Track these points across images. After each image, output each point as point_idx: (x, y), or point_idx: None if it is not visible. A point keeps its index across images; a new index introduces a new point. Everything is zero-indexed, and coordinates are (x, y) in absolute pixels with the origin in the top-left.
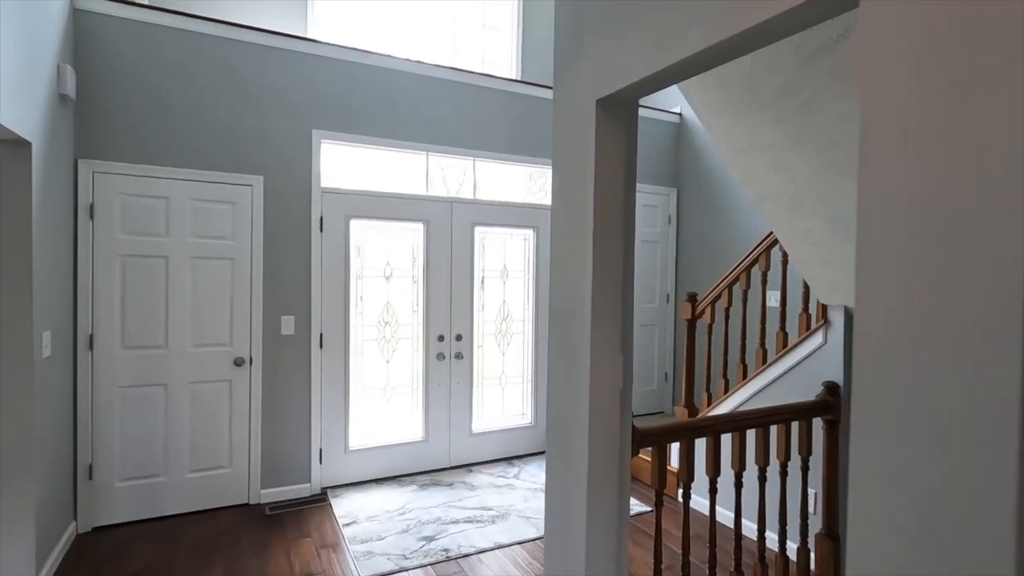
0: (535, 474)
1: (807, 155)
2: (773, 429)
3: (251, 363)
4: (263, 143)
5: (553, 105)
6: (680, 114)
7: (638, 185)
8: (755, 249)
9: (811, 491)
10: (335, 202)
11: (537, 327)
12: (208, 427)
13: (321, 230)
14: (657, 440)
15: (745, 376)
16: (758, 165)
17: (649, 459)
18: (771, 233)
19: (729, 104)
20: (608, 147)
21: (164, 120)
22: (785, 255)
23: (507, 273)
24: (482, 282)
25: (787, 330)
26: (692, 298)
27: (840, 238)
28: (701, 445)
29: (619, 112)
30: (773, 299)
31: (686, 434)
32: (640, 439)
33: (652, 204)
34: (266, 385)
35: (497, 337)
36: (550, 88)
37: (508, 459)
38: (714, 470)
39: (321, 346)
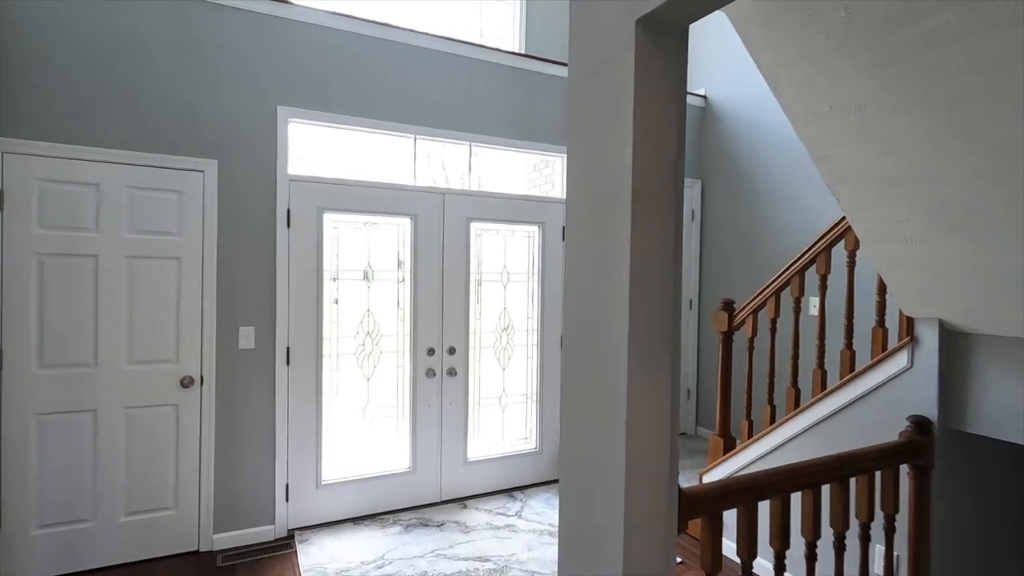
0: (541, 511)
1: (919, 116)
2: (852, 482)
3: (202, 383)
4: (218, 121)
5: (571, 34)
6: (705, 96)
7: None
8: (813, 247)
9: (896, 554)
10: (305, 192)
11: (543, 338)
12: (149, 461)
13: (288, 225)
14: (710, 507)
15: (798, 404)
16: (841, 132)
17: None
18: (832, 228)
19: (808, 46)
20: (652, 88)
21: (96, 91)
22: (852, 255)
23: (508, 276)
24: (479, 286)
25: (855, 348)
26: (728, 306)
27: (946, 232)
28: (763, 506)
29: (666, 39)
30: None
31: (746, 496)
32: (688, 506)
33: None
34: (221, 409)
35: (496, 350)
36: (558, 63)
37: (509, 491)
38: (782, 542)
39: (288, 361)
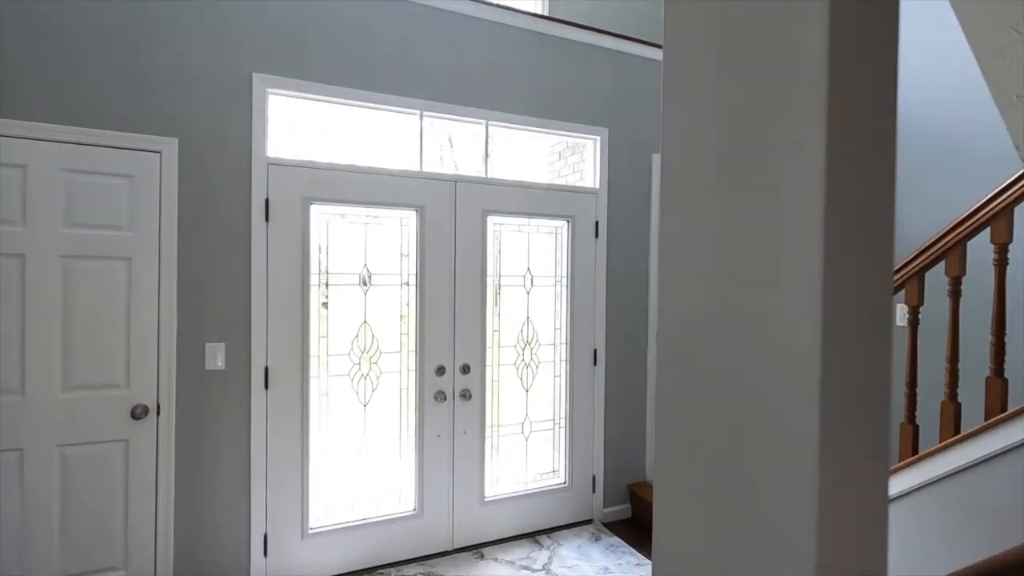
0: (573, 562)
1: None
2: None
3: (159, 413)
4: (179, 90)
5: None
6: None
7: None
8: (940, 242)
9: None
10: (288, 179)
11: (573, 353)
12: (91, 511)
13: (267, 219)
14: None
15: (1005, 405)
16: None
17: None
18: (969, 217)
19: None
20: None
21: (22, 52)
22: (1002, 250)
23: (531, 280)
24: (497, 292)
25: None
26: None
27: None
28: None
29: None
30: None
31: None
32: None
33: None
34: (183, 444)
35: (518, 368)
36: (589, 29)
37: (534, 535)
38: None
39: (267, 385)
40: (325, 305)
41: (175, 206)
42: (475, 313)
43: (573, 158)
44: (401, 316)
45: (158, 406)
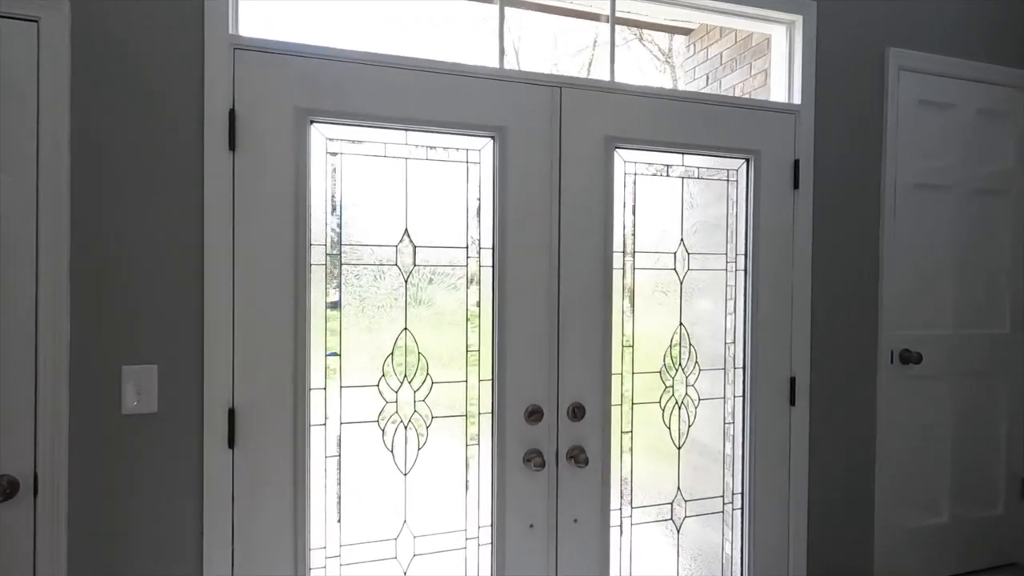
0: None
1: None
2: None
3: (36, 491)
4: None
5: None
6: None
7: (927, 68)
8: None
9: None
10: (272, 76)
11: (755, 382)
12: None
13: (232, 146)
14: None
15: None
16: None
17: None
18: None
19: None
20: None
21: None
22: None
23: (686, 260)
24: (630, 281)
25: None
26: None
27: None
28: None
29: None
30: None
31: None
32: None
33: (988, 108)
34: (80, 545)
35: (665, 408)
36: None
37: None
38: None
39: (232, 440)
40: (335, 305)
41: (65, 120)
42: (594, 315)
43: (760, 61)
44: (467, 319)
45: (36, 478)
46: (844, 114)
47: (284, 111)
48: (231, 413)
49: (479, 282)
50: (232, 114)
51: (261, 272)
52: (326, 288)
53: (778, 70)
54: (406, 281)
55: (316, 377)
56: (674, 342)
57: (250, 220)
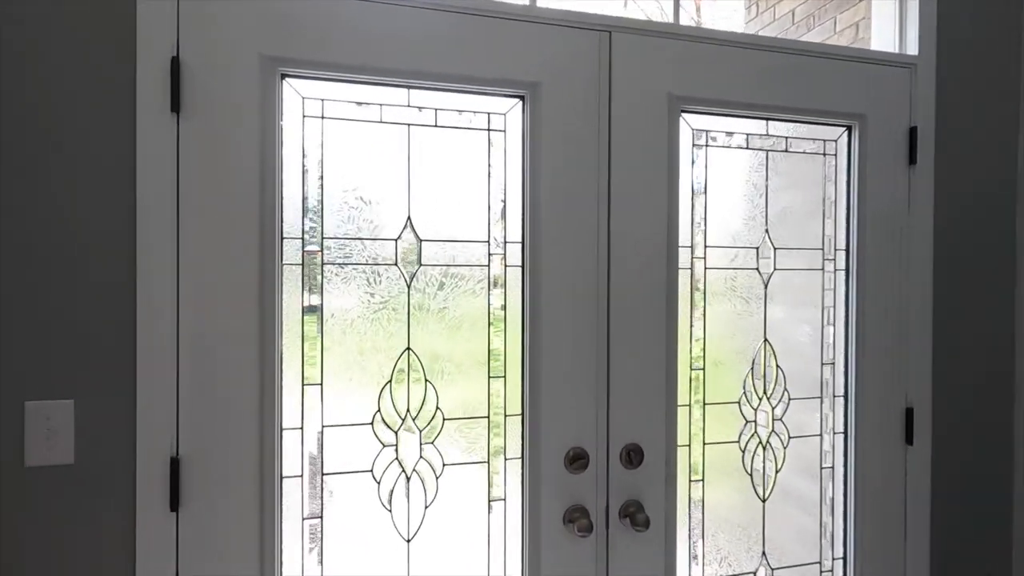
0: None
1: None
2: None
3: None
4: None
5: None
6: None
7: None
8: None
9: None
10: (231, 14)
11: (859, 414)
12: None
13: (177, 108)
14: None
15: None
16: None
17: None
18: None
19: None
20: None
21: None
22: None
23: (772, 256)
24: (700, 280)
25: None
26: None
27: None
28: None
29: None
30: None
31: None
32: None
33: None
34: None
35: (746, 447)
36: None
37: None
38: None
39: (177, 501)
40: (314, 309)
41: None
42: (654, 329)
43: (830, 16)
44: (490, 333)
45: None
46: (977, 67)
47: (246, 60)
48: (174, 463)
49: (505, 286)
50: (176, 63)
51: (215, 275)
52: (303, 295)
53: (884, 10)
54: (409, 285)
55: (290, 414)
56: (756, 362)
57: (200, 206)
